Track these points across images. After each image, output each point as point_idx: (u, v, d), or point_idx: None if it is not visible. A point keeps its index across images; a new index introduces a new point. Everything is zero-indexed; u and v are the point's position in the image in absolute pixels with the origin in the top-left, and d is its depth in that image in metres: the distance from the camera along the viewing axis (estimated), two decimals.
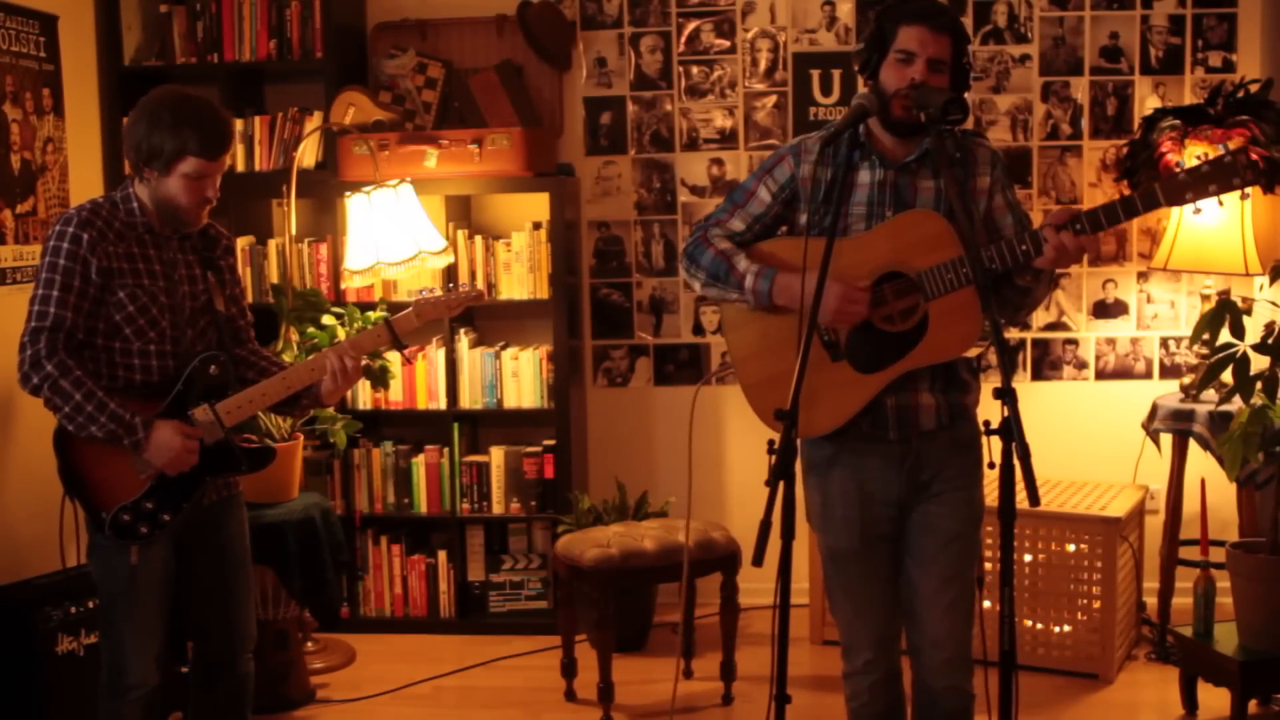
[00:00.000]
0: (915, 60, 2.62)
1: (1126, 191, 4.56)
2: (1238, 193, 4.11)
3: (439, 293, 3.23)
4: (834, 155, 2.73)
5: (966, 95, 2.68)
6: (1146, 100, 4.76)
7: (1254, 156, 4.11)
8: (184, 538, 3.03)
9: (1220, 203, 2.73)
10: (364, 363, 3.94)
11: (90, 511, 2.92)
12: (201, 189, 2.91)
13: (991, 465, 2.42)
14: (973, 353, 2.79)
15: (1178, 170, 2.57)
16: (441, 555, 4.83)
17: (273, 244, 4.81)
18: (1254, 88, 4.35)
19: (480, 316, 4.99)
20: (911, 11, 2.65)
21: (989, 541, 4.11)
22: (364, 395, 4.79)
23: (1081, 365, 4.88)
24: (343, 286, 4.68)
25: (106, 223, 2.90)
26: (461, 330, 4.80)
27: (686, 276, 2.87)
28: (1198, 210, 4.26)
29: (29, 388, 2.85)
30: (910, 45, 2.63)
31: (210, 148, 2.89)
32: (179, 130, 2.86)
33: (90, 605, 3.61)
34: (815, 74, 4.87)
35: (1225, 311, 3.61)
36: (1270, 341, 3.56)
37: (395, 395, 4.79)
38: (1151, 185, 2.54)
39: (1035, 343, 4.89)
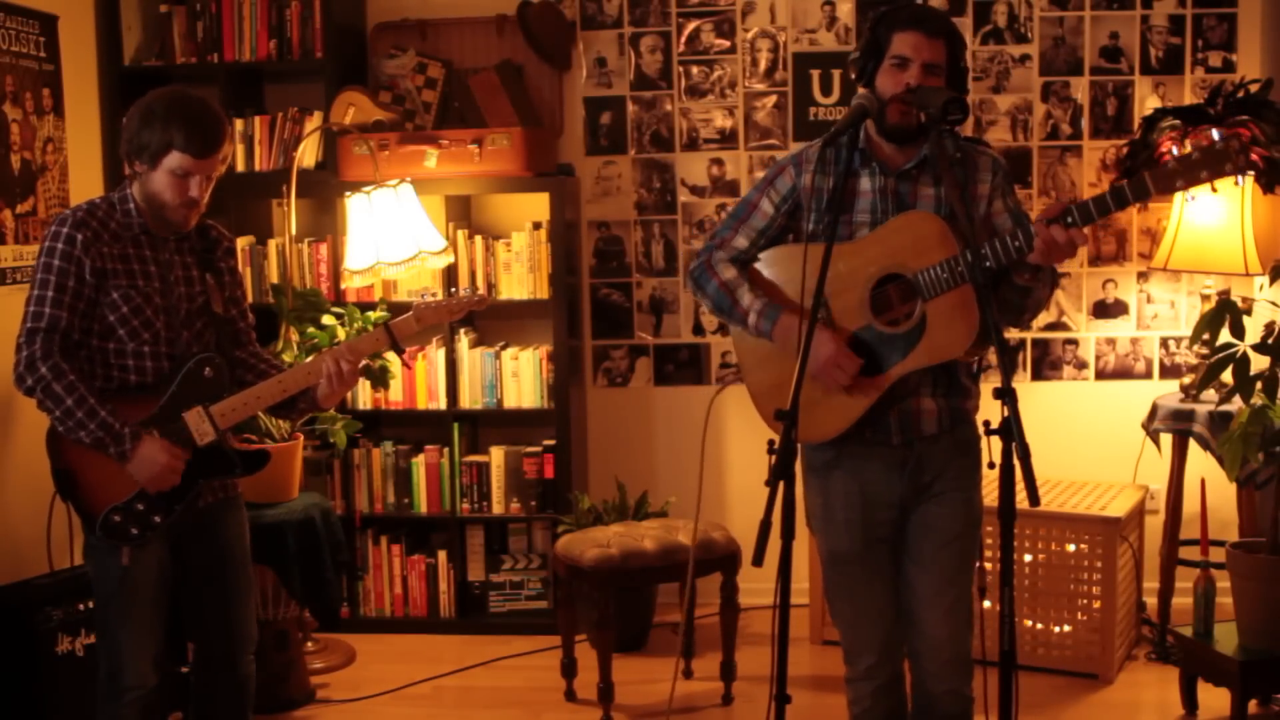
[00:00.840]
0: (910, 65, 2.63)
1: None
2: (1236, 187, 4.16)
3: (440, 296, 3.19)
4: (835, 161, 2.73)
5: (965, 96, 2.69)
6: (1146, 100, 4.75)
7: (1254, 157, 4.11)
8: (183, 539, 3.02)
9: (1214, 189, 2.70)
10: (364, 363, 3.93)
11: (82, 512, 2.92)
12: (186, 188, 2.88)
13: (991, 465, 2.41)
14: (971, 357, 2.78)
15: (1169, 159, 2.54)
16: (441, 555, 4.83)
17: (273, 244, 4.81)
18: (1254, 88, 4.34)
19: (480, 316, 4.98)
20: (905, 17, 2.65)
21: (989, 541, 4.11)
22: (364, 395, 4.79)
23: (1081, 365, 4.88)
24: (343, 286, 4.68)
25: (102, 223, 2.89)
26: (461, 330, 4.80)
27: (694, 297, 2.89)
28: (1192, 197, 4.24)
29: (23, 389, 2.85)
30: (905, 51, 2.63)
31: (195, 144, 2.84)
32: (168, 125, 2.84)
33: (90, 605, 3.61)
34: (815, 74, 4.87)
35: (1225, 311, 3.61)
36: (1270, 341, 3.55)
37: (395, 395, 4.79)
38: (1141, 174, 2.52)
39: (1035, 343, 4.89)
